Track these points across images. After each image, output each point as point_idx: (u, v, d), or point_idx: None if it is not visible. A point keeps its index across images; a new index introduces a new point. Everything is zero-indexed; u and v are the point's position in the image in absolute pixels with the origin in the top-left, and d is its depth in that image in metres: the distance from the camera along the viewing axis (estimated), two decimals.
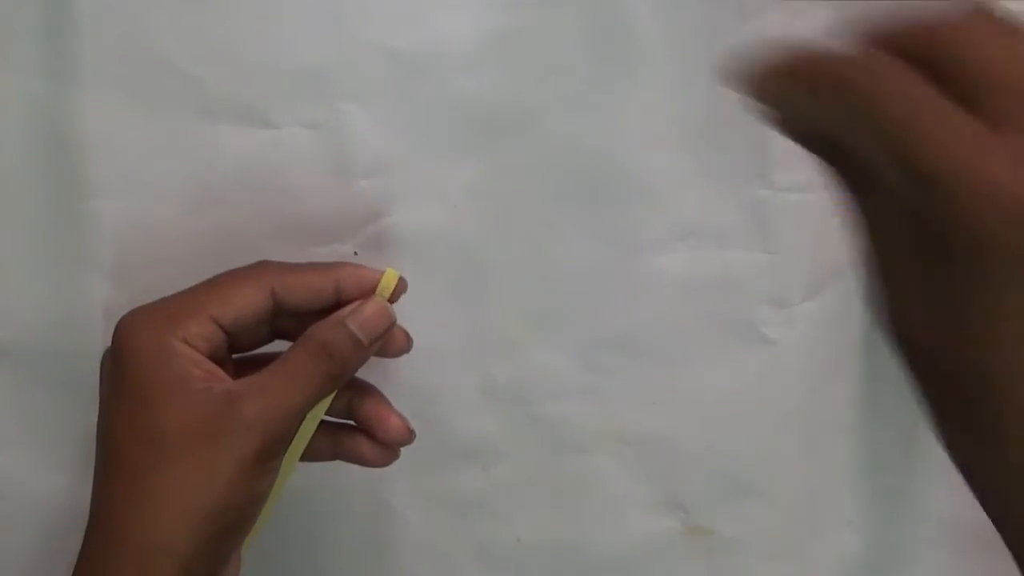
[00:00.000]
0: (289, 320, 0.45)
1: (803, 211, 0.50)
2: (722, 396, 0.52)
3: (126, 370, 0.42)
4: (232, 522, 0.41)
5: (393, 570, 0.54)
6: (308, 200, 0.50)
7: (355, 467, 0.50)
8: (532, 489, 0.53)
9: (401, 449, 0.48)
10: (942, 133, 0.28)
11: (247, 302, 0.43)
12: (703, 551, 0.53)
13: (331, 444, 0.46)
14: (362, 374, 0.46)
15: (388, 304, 0.45)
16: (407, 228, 0.49)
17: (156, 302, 0.44)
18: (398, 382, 0.49)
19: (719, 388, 0.52)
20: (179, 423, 0.41)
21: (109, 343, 0.45)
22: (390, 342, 0.45)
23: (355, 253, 0.50)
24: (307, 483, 0.52)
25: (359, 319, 0.44)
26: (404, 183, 0.50)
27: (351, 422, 0.46)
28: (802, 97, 0.31)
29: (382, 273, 0.45)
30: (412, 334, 0.47)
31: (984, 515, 0.53)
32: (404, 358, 0.47)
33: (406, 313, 0.46)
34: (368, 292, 0.45)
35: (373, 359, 0.45)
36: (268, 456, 0.42)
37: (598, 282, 0.48)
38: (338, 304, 0.45)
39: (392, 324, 0.45)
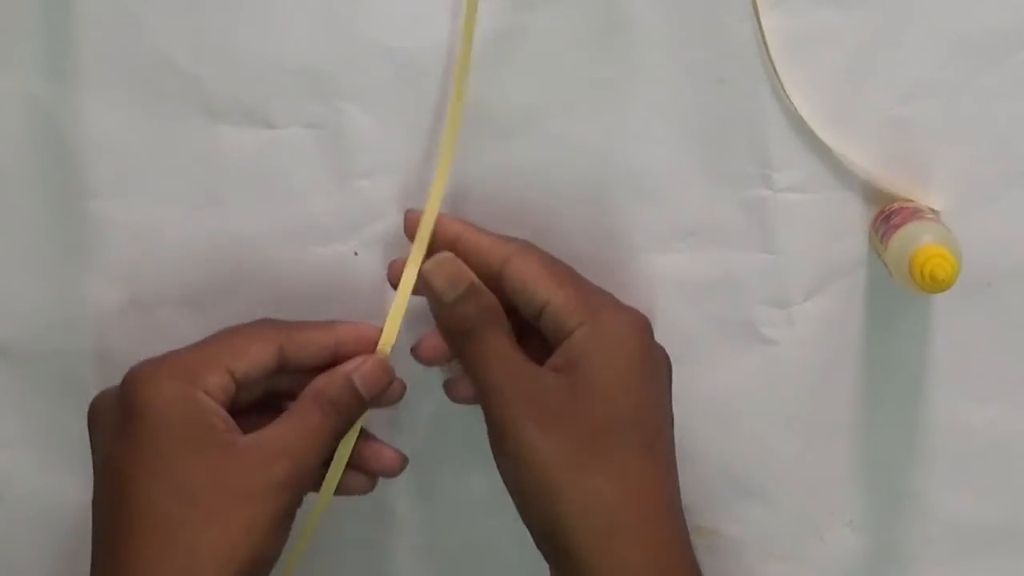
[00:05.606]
0: (284, 378, 0.46)
1: (803, 211, 0.50)
2: (722, 396, 0.52)
3: (149, 421, 0.43)
4: (262, 570, 0.43)
5: (393, 570, 0.54)
6: (308, 200, 0.50)
7: None
8: None
9: (402, 450, 0.48)
10: None
11: (258, 356, 0.45)
12: (704, 551, 0.53)
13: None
14: None
15: (388, 359, 0.46)
16: None
17: (169, 354, 0.45)
18: None
19: (719, 388, 0.52)
20: (212, 480, 0.42)
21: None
22: (387, 393, 0.47)
23: (355, 253, 0.50)
24: None
25: (362, 374, 0.45)
26: (404, 183, 0.50)
27: None
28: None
29: (379, 329, 0.46)
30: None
31: (984, 515, 0.53)
32: (407, 358, 0.48)
33: (407, 313, 0.46)
34: (365, 347, 0.46)
35: None
36: (295, 508, 0.44)
37: (598, 282, 0.48)
38: (335, 360, 0.46)
39: (392, 379, 0.46)
